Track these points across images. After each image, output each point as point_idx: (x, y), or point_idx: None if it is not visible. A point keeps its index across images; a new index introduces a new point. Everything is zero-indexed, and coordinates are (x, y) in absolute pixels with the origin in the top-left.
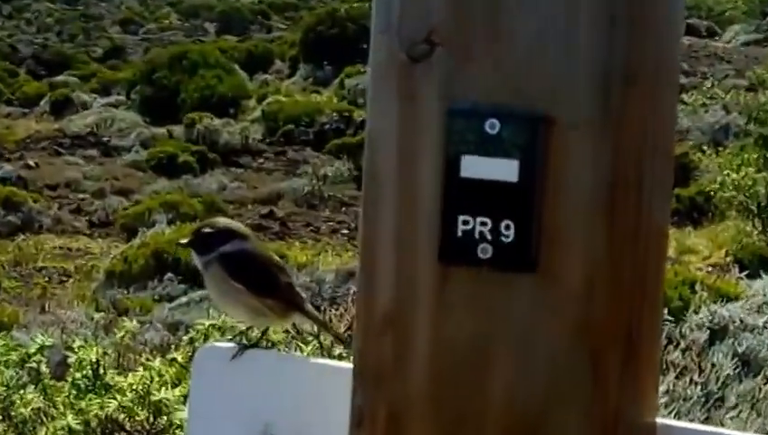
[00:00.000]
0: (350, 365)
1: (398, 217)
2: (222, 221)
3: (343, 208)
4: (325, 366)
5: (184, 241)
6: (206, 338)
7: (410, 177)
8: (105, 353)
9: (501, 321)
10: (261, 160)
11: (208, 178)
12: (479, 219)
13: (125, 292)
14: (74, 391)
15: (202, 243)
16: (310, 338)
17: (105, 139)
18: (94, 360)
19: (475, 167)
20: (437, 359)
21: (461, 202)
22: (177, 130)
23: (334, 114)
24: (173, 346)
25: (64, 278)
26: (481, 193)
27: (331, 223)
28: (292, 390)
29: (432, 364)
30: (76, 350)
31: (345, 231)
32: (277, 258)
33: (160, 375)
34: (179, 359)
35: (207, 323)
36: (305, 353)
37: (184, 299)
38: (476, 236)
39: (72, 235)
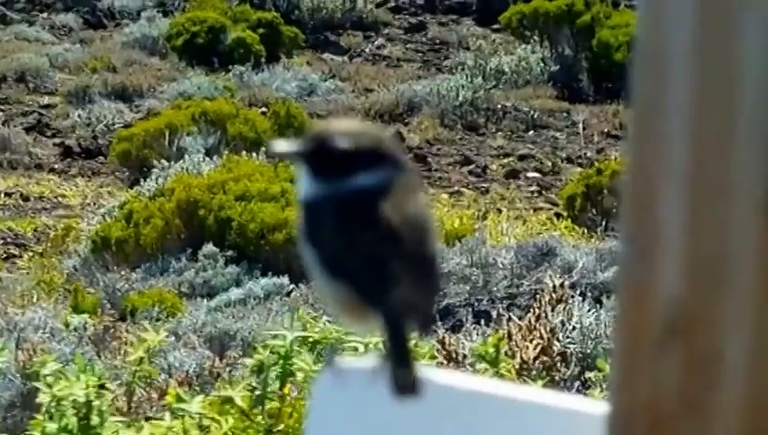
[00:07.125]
0: (601, 409)
1: (702, 148)
2: (372, 131)
3: (531, 132)
4: (560, 411)
5: (290, 146)
6: (286, 361)
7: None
8: (101, 386)
9: None
10: (379, 41)
11: (281, 72)
12: None
13: (127, 277)
14: None
15: (327, 160)
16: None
17: None
18: (82, 399)
19: None
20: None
21: None
22: None
23: None
24: (221, 376)
25: (14, 250)
26: None
27: (505, 158)
28: None
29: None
30: (47, 381)
31: (533, 174)
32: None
33: (201, 429)
34: (239, 400)
35: (290, 335)
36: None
37: (237, 292)
38: None
39: (30, 171)
